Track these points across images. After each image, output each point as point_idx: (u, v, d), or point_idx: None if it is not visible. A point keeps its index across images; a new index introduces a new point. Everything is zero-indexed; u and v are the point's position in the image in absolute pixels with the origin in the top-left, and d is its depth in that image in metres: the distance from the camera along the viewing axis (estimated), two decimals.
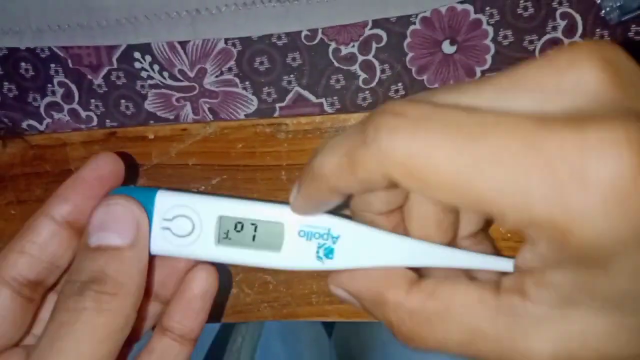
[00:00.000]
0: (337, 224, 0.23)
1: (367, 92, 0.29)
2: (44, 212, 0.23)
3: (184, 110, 0.30)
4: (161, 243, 0.23)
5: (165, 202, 0.23)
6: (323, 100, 0.29)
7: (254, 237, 0.23)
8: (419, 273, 0.22)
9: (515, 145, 0.16)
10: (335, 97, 0.29)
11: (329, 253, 0.23)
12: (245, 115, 0.29)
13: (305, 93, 0.29)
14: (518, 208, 0.16)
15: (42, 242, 0.23)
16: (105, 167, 0.24)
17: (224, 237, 0.23)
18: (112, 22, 0.29)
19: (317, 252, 0.23)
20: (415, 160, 0.17)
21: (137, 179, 0.29)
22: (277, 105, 0.29)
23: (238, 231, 0.23)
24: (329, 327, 0.66)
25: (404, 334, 0.20)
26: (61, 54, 0.30)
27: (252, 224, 0.23)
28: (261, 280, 0.28)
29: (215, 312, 0.29)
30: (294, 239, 0.23)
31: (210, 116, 0.29)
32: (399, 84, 0.28)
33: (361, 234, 0.23)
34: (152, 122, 0.30)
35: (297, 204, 0.22)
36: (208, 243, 0.23)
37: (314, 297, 0.28)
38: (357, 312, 0.28)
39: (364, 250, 0.23)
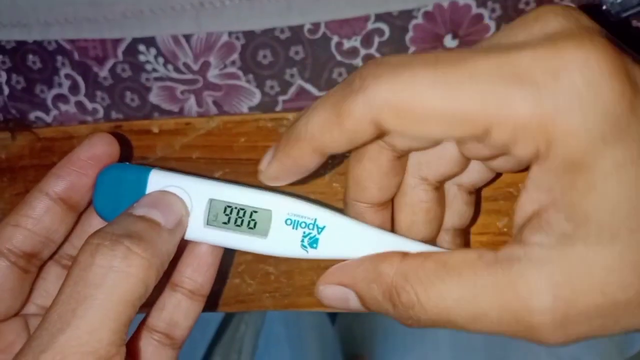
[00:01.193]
0: (324, 215, 0.23)
1: None
2: (39, 188, 0.24)
3: (188, 102, 0.30)
4: None
5: (159, 181, 0.24)
6: (325, 93, 0.29)
7: (242, 221, 0.24)
8: None
9: (492, 63, 0.18)
10: None
11: (313, 243, 0.23)
12: (249, 108, 0.30)
13: (308, 86, 0.29)
14: (502, 117, 0.17)
15: (37, 216, 0.24)
16: (99, 147, 0.25)
17: (213, 220, 0.24)
18: (118, 15, 0.29)
19: (302, 241, 0.23)
20: (401, 95, 0.18)
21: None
22: (280, 98, 0.29)
23: (227, 215, 0.24)
24: (332, 315, 0.67)
25: (402, 302, 0.20)
26: (68, 47, 0.30)
27: (241, 209, 0.24)
28: (263, 271, 0.28)
29: (214, 300, 0.29)
30: (280, 226, 0.24)
31: (214, 109, 0.30)
32: None
33: (346, 226, 0.23)
34: (156, 114, 0.30)
35: (270, 171, 0.22)
36: (197, 224, 0.24)
37: (314, 288, 0.28)
38: None
39: (348, 242, 0.23)
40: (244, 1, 0.28)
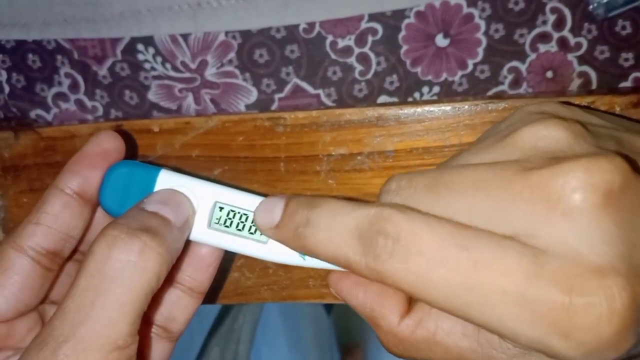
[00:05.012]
0: None
1: (363, 83, 0.30)
2: (55, 185, 0.25)
3: (186, 100, 0.31)
4: None
5: (167, 180, 0.24)
6: (320, 91, 0.30)
7: (244, 226, 0.24)
8: None
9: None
10: (332, 88, 0.30)
11: None
12: (245, 106, 0.30)
13: (303, 84, 0.30)
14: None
15: (56, 212, 0.24)
16: (106, 142, 0.25)
17: (215, 222, 0.24)
18: (116, 15, 0.30)
19: None
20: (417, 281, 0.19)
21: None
22: (276, 96, 0.30)
23: (230, 219, 0.24)
24: (327, 305, 0.68)
25: (393, 352, 0.22)
26: (67, 46, 0.31)
27: (244, 214, 0.24)
28: (262, 265, 0.29)
29: (214, 293, 0.30)
30: None
31: (212, 107, 0.31)
32: (394, 76, 0.29)
33: None
34: (155, 112, 0.31)
35: (269, 233, 0.23)
36: (201, 225, 0.24)
37: (311, 281, 0.29)
38: None
39: None
40: (241, 1, 0.29)
